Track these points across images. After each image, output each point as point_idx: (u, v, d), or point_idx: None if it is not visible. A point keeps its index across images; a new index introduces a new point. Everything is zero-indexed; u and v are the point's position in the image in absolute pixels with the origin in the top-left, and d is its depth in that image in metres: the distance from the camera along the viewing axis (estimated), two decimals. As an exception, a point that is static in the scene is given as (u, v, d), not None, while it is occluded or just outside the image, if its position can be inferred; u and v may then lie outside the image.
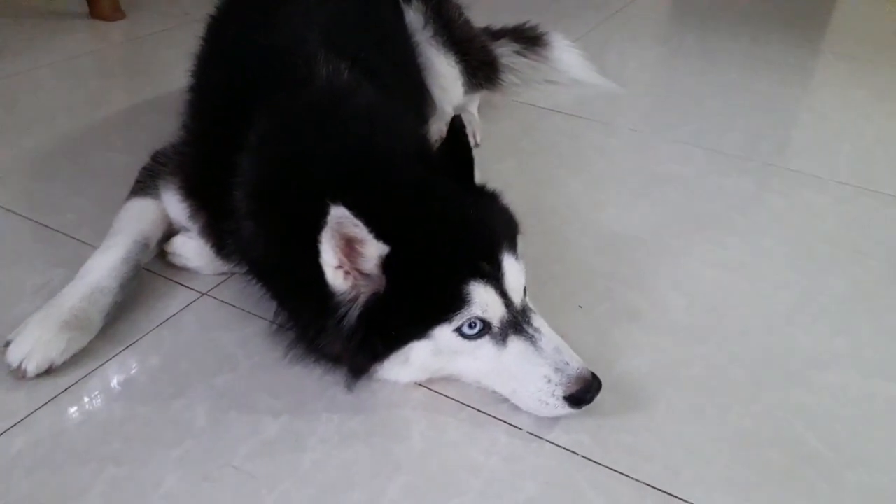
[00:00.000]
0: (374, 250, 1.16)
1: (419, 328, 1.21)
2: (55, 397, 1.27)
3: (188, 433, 1.22)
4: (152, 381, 1.33)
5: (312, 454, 1.20)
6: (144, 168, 1.67)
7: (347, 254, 1.17)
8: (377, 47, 1.78)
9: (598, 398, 1.26)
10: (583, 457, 1.22)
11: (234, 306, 1.51)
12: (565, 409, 1.23)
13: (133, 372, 1.34)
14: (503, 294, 1.22)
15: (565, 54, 2.70)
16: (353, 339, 1.21)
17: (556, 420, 1.26)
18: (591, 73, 2.70)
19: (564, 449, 1.23)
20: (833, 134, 2.45)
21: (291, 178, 1.29)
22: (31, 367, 1.28)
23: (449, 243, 1.19)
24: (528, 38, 2.68)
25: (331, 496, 1.13)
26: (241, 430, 1.23)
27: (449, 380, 1.32)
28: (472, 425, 1.27)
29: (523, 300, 1.27)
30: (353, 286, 1.19)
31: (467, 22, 2.21)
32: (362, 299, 1.19)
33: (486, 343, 1.24)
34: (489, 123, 2.37)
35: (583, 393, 1.21)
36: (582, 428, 1.27)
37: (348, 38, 1.66)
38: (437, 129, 2.12)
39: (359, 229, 1.13)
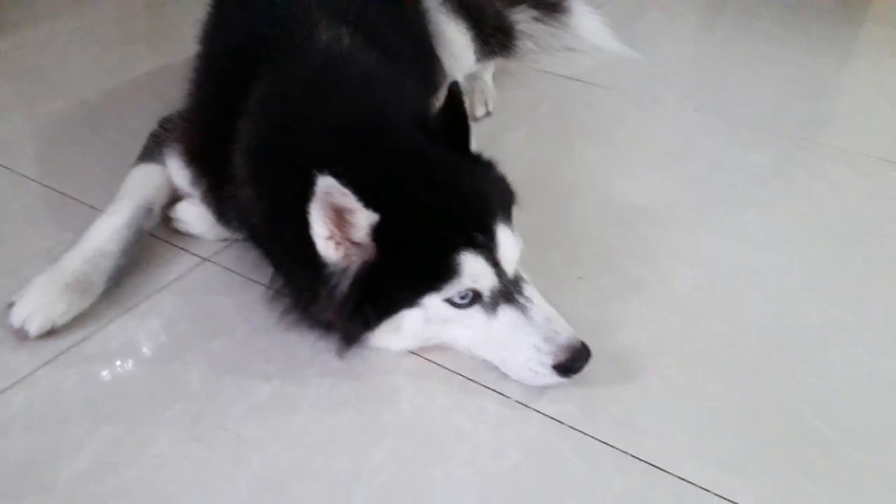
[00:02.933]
0: (364, 219, 1.15)
1: (410, 297, 1.20)
2: (56, 357, 1.30)
3: (182, 395, 1.24)
4: (150, 343, 1.35)
5: (302, 418, 1.21)
6: (152, 134, 1.69)
7: (338, 223, 1.16)
8: (383, 14, 1.75)
9: (592, 369, 1.25)
10: (570, 426, 1.21)
11: (234, 272, 1.52)
12: (554, 378, 1.22)
13: (132, 334, 1.36)
14: (495, 264, 1.21)
15: (585, 20, 2.62)
16: (344, 308, 1.21)
17: (545, 390, 1.26)
18: (611, 39, 2.62)
19: (551, 418, 1.22)
20: (863, 106, 2.36)
21: (286, 145, 1.29)
22: (33, 328, 1.31)
23: (440, 212, 1.18)
24: (548, 4, 2.61)
25: (317, 459, 1.14)
26: (233, 393, 1.25)
27: (441, 348, 1.32)
28: (461, 393, 1.27)
29: (516, 270, 1.25)
30: (345, 255, 1.19)
31: (479, -16, 2.16)
32: (353, 268, 1.19)
33: (476, 312, 1.23)
34: (504, 91, 2.33)
35: (571, 362, 1.20)
36: (571, 398, 1.25)
37: (352, 4, 1.64)
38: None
39: (347, 199, 1.12)
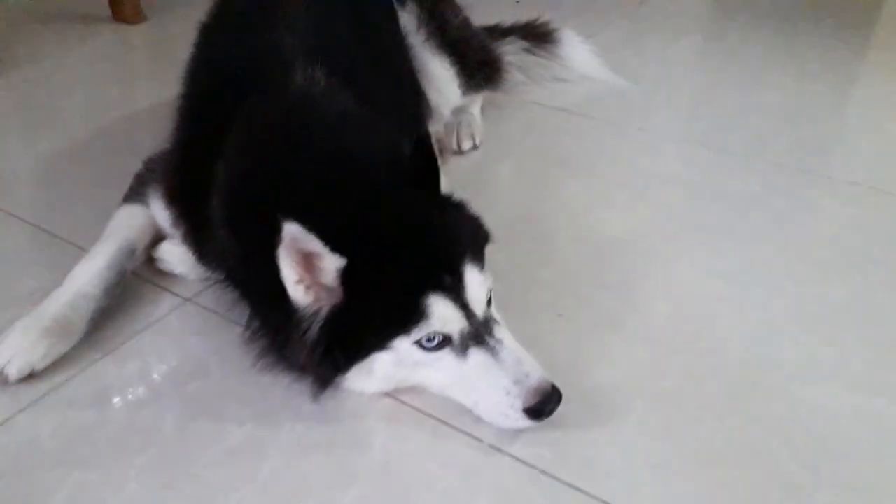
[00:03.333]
0: (331, 263, 1.17)
1: (379, 340, 1.21)
2: (34, 402, 1.32)
3: (154, 441, 1.25)
4: (127, 387, 1.37)
5: (272, 463, 1.22)
6: (137, 174, 1.72)
7: (306, 268, 1.18)
8: (365, 52, 1.78)
9: (567, 410, 1.26)
10: (541, 471, 1.21)
11: (214, 312, 1.54)
12: (525, 422, 1.22)
13: (110, 379, 1.38)
14: (464, 306, 1.22)
15: (576, 50, 2.65)
16: (315, 351, 1.22)
17: (519, 432, 1.25)
18: (602, 69, 2.64)
19: (524, 463, 1.22)
20: (851, 132, 2.36)
21: (259, 190, 1.31)
22: (13, 373, 1.33)
23: (407, 255, 1.19)
24: (538, 35, 2.64)
25: (284, 505, 1.15)
26: (205, 438, 1.26)
27: (415, 390, 1.32)
28: (433, 437, 1.27)
29: (486, 311, 1.26)
30: (316, 299, 1.21)
31: (465, 22, 2.18)
32: (324, 312, 1.21)
33: (446, 355, 1.23)
34: (492, 123, 2.34)
35: (541, 405, 1.20)
36: (544, 441, 1.25)
37: (331, 44, 1.67)
38: (435, 132, 2.11)
39: (313, 244, 1.14)
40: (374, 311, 1.20)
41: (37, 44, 2.92)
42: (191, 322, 1.52)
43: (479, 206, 1.88)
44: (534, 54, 2.61)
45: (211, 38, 1.73)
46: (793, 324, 1.54)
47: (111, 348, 1.44)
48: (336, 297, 1.19)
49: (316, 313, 1.21)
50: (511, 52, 2.57)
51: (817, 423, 1.32)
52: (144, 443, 1.25)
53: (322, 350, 1.22)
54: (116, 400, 1.34)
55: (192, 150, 1.52)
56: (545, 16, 2.71)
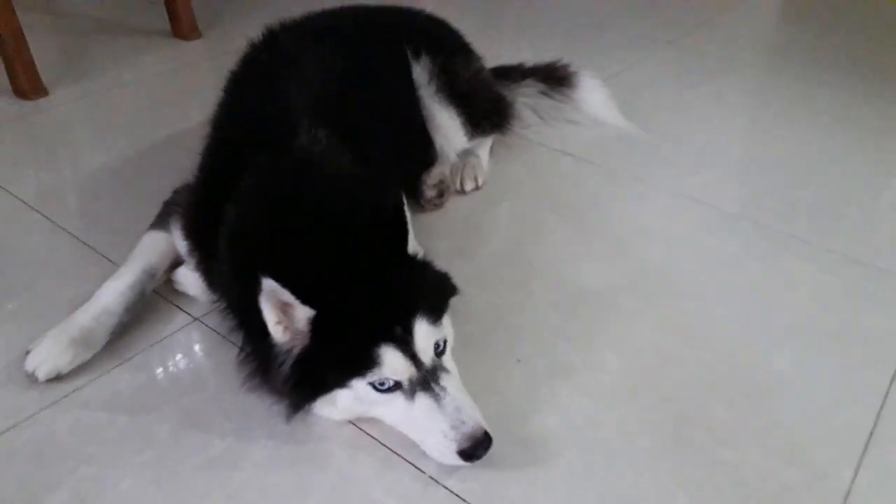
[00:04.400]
0: (301, 313, 1.38)
1: (338, 379, 1.42)
2: (57, 401, 1.57)
3: (152, 444, 1.48)
4: (135, 394, 1.60)
5: (243, 474, 1.43)
6: (165, 202, 1.96)
7: (284, 313, 1.39)
8: (374, 104, 1.98)
9: (504, 451, 1.45)
10: (468, 504, 1.40)
11: (217, 333, 1.76)
12: (458, 461, 1.41)
13: (122, 385, 1.62)
14: (412, 356, 1.41)
15: (591, 95, 2.79)
16: (288, 383, 1.44)
17: (457, 468, 1.44)
18: (613, 114, 2.78)
19: (456, 496, 1.41)
20: (844, 198, 2.41)
21: (253, 239, 1.53)
22: (42, 374, 1.59)
23: (365, 309, 1.39)
24: (556, 78, 2.79)
25: (247, 513, 1.37)
26: (193, 446, 1.48)
27: (375, 420, 1.52)
28: (383, 464, 1.47)
29: (434, 360, 1.45)
30: (291, 339, 1.42)
31: (476, 75, 2.35)
32: (296, 351, 1.42)
33: (397, 397, 1.43)
34: (498, 164, 2.52)
35: (472, 449, 1.39)
36: (478, 477, 1.44)
37: (340, 100, 1.88)
38: (440, 173, 2.30)
39: (286, 296, 1.35)
40: (335, 355, 1.40)
41: (98, 57, 3.22)
42: (196, 339, 1.75)
43: (472, 246, 2.09)
44: (549, 97, 2.77)
45: (235, 86, 1.95)
46: (730, 390, 1.67)
47: (126, 358, 1.68)
48: (306, 339, 1.41)
49: (290, 351, 1.43)
50: (527, 95, 2.74)
51: (730, 486, 1.46)
52: (144, 445, 1.48)
53: (293, 382, 1.43)
54: (124, 405, 1.57)
55: (209, 191, 1.74)
56: (574, 51, 2.89)
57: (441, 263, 1.82)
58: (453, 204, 2.32)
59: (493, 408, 1.56)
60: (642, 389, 1.67)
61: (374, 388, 1.41)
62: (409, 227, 1.51)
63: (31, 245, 2.05)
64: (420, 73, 2.21)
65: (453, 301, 1.67)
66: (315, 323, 1.39)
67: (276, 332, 1.41)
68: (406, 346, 1.40)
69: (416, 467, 1.46)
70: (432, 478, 1.44)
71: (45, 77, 2.90)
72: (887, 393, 1.67)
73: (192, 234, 1.76)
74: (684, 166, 2.57)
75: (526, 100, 2.73)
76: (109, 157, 2.48)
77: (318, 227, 1.49)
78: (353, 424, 1.54)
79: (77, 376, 1.63)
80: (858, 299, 1.97)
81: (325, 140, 1.70)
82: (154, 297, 1.84)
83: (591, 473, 1.47)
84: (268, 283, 1.33)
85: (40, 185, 2.33)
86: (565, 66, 2.83)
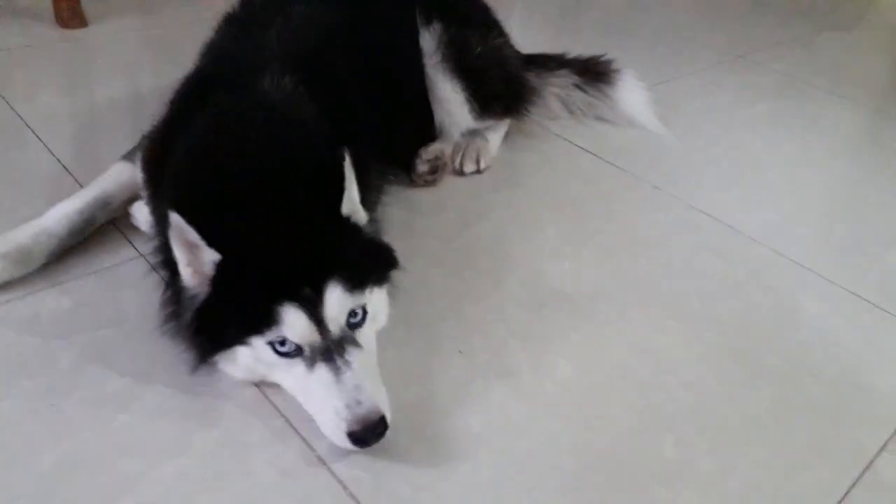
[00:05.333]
0: (207, 256, 1.27)
1: (237, 335, 1.31)
2: (-25, 313, 1.53)
3: (47, 371, 1.42)
4: (53, 319, 1.54)
5: (128, 417, 1.35)
6: (143, 135, 1.91)
7: (193, 255, 1.29)
8: (367, 67, 1.87)
9: (409, 444, 1.33)
10: (350, 494, 1.26)
11: (158, 273, 1.69)
12: (349, 445, 1.28)
13: (44, 308, 1.56)
14: (318, 322, 1.28)
15: (630, 94, 2.61)
16: (188, 332, 1.35)
17: (350, 451, 1.31)
18: (649, 116, 2.59)
19: (339, 482, 1.28)
20: (880, 237, 2.16)
21: (187, 175, 1.44)
22: (-34, 284, 1.55)
23: (273, 261, 1.27)
24: (594, 73, 2.62)
25: (113, 456, 1.27)
26: (89, 381, 1.41)
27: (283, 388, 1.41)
28: (274, 435, 1.35)
29: (344, 330, 1.32)
30: (199, 284, 1.32)
31: (493, 51, 2.20)
32: (199, 298, 1.32)
33: (298, 363, 1.31)
34: (511, 151, 2.37)
35: (362, 433, 1.26)
36: (370, 466, 1.30)
37: (326, 55, 1.77)
38: (437, 149, 2.17)
39: (192, 236, 1.25)
40: (236, 307, 1.29)
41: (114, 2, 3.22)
42: (134, 275, 1.68)
43: (453, 228, 1.96)
44: (583, 91, 2.60)
45: (223, 26, 1.88)
46: (687, 426, 1.48)
47: (58, 282, 1.63)
48: (209, 286, 1.30)
49: (196, 297, 1.33)
50: (559, 85, 2.58)
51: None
52: (37, 371, 1.41)
53: (192, 331, 1.34)
54: (38, 328, 1.51)
55: (171, 126, 1.67)
56: (630, 54, 2.74)
57: (414, 240, 1.70)
58: (449, 184, 2.18)
59: (413, 397, 1.45)
60: (587, 406, 1.49)
61: (274, 349, 1.30)
62: (350, 186, 1.39)
63: (10, 159, 2.04)
64: (428, 40, 2.08)
65: (408, 280, 1.55)
66: (219, 269, 1.28)
67: (186, 273, 1.32)
68: (313, 308, 1.28)
69: (307, 444, 1.34)
70: (320, 458, 1.31)
71: (92, 9, 2.92)
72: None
73: (147, 166, 1.69)
74: (711, 182, 2.35)
75: (557, 90, 2.56)
76: (122, 93, 2.47)
77: (249, 172, 1.38)
78: (257, 388, 1.43)
79: (3, 292, 1.58)
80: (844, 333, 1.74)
81: (291, 88, 1.60)
82: (108, 228, 1.79)
83: (495, 486, 1.31)
84: (175, 219, 1.24)
85: (45, 107, 2.32)
86: (607, 63, 2.65)
